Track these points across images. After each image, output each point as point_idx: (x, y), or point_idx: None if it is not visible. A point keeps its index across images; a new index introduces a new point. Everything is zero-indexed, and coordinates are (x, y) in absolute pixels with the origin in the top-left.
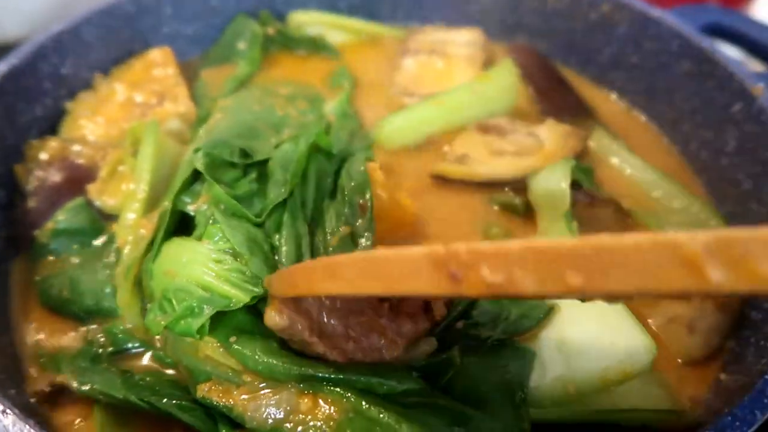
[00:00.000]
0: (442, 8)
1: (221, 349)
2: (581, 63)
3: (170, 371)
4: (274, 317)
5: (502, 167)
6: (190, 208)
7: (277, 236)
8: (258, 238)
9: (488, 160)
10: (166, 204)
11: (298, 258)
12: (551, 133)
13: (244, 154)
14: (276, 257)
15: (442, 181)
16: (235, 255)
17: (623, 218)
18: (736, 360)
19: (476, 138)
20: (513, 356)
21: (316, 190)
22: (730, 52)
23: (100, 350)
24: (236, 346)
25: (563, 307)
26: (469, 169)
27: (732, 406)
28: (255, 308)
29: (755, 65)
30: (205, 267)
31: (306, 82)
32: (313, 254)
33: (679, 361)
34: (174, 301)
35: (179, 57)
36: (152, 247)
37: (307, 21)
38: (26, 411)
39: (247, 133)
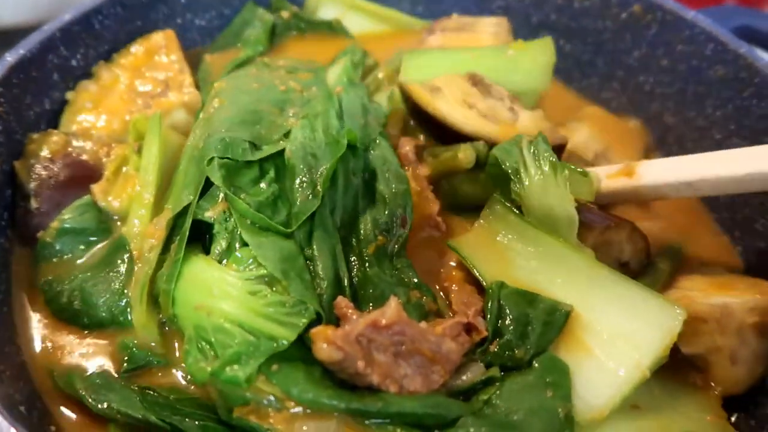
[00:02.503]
0: (463, 3)
1: (262, 377)
2: (608, 64)
3: (193, 388)
4: (328, 351)
5: (461, 116)
6: (208, 215)
7: (308, 249)
8: (291, 252)
9: (454, 104)
10: (185, 218)
11: (335, 271)
12: (530, 121)
13: (254, 146)
14: (311, 271)
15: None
16: (271, 282)
17: (638, 240)
18: None
19: (461, 83)
20: (550, 370)
21: (344, 192)
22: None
23: (113, 368)
24: (279, 376)
25: (581, 311)
26: (432, 99)
27: None
28: (298, 336)
29: None
30: (241, 303)
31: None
32: (348, 265)
33: (717, 392)
34: (216, 344)
35: (191, 49)
36: (166, 260)
37: (325, 2)
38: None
39: (251, 118)
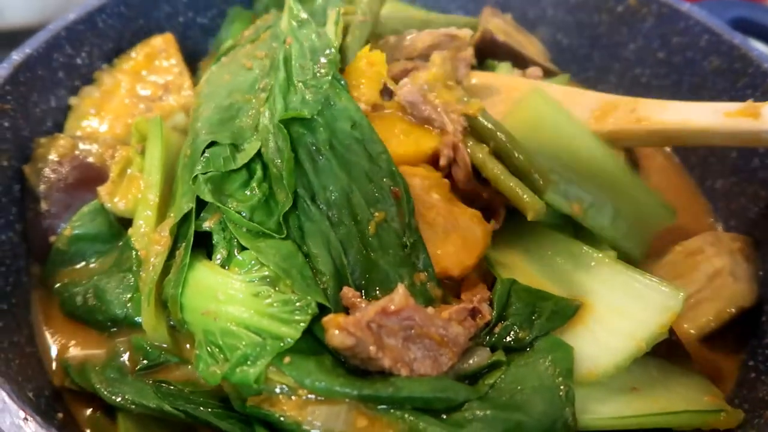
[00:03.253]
0: (461, 0)
1: (274, 368)
2: (605, 58)
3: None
4: (340, 337)
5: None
6: (207, 225)
7: (304, 245)
8: (290, 251)
9: None
10: (188, 226)
11: (333, 263)
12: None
13: (235, 147)
14: (312, 266)
15: None
16: (273, 282)
17: None
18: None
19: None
20: (552, 349)
21: (316, 174)
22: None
23: (128, 362)
24: (291, 368)
25: (591, 301)
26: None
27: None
28: (307, 327)
29: None
30: (247, 306)
31: None
32: (347, 252)
33: (732, 310)
34: (224, 347)
35: (193, 47)
36: (172, 266)
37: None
38: (47, 416)
39: (227, 114)
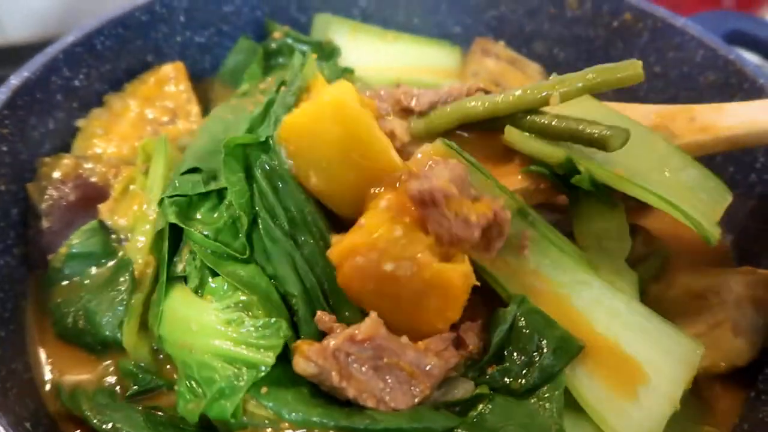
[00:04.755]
0: (458, 15)
1: (253, 401)
2: None
3: None
4: (303, 365)
5: None
6: (180, 268)
7: (270, 267)
8: (252, 275)
9: None
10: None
11: (302, 284)
12: None
13: (213, 176)
14: (278, 289)
15: None
16: (247, 307)
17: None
18: None
19: None
20: (545, 395)
21: (275, 193)
22: (747, 58)
23: (118, 387)
24: (268, 398)
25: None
26: None
27: None
28: (283, 354)
29: None
30: (219, 336)
31: None
32: (312, 268)
33: (723, 365)
34: (201, 381)
35: (192, 67)
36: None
37: (332, 28)
38: None
39: (218, 147)
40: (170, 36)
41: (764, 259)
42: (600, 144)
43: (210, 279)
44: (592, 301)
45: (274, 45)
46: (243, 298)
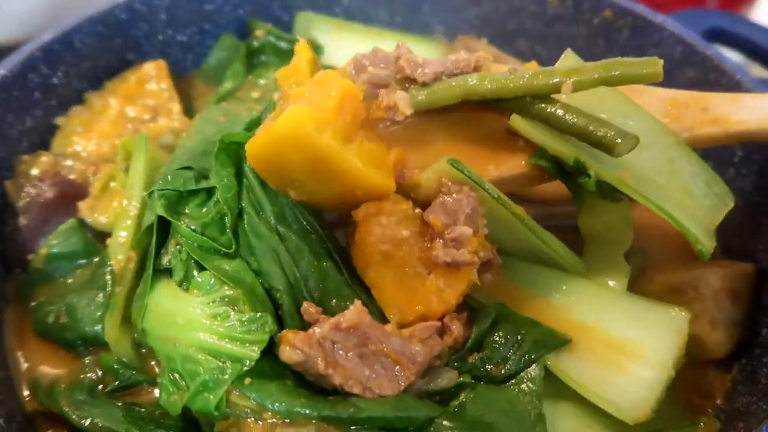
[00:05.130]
0: (441, 13)
1: (236, 391)
2: None
3: None
4: (289, 353)
5: None
6: (165, 261)
7: (254, 261)
8: (238, 269)
9: None
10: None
11: (286, 278)
12: None
13: (203, 176)
14: (263, 283)
15: None
16: (233, 302)
17: None
18: (749, 379)
19: None
20: (524, 379)
21: (263, 188)
22: (729, 56)
23: (99, 384)
24: (252, 389)
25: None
26: None
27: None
28: (267, 348)
29: (757, 70)
30: (204, 329)
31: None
32: (297, 261)
33: (702, 357)
34: (185, 374)
35: (173, 65)
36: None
37: (314, 26)
38: None
39: (212, 148)
40: (151, 34)
41: (742, 253)
42: (607, 148)
43: (196, 273)
44: (570, 297)
45: (256, 43)
46: (229, 292)
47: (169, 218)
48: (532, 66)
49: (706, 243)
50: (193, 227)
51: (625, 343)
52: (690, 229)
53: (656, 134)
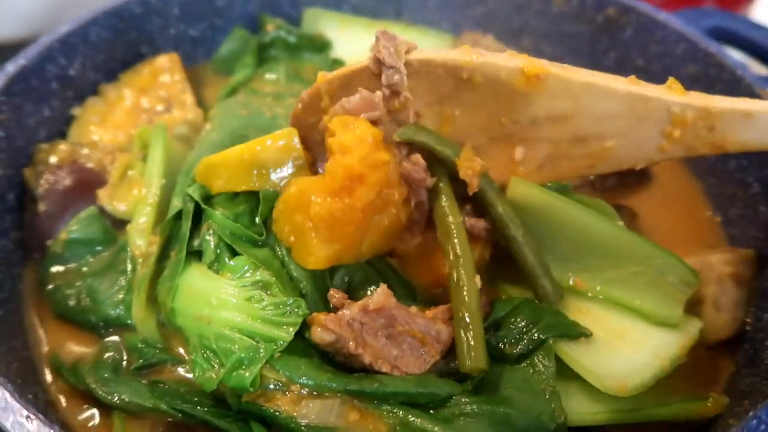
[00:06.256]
0: (447, 10)
1: (267, 365)
2: (586, 66)
3: None
4: (321, 334)
5: None
6: (195, 243)
7: (280, 251)
8: (267, 257)
9: None
10: (181, 237)
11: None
12: None
13: None
14: (288, 273)
15: None
16: (266, 286)
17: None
18: (752, 362)
19: None
20: (537, 359)
21: None
22: (730, 54)
23: (123, 362)
24: (282, 364)
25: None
26: None
27: (753, 407)
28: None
29: (757, 68)
30: (240, 310)
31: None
32: None
33: (707, 337)
34: (219, 352)
35: (185, 59)
36: (165, 266)
37: (321, 21)
38: (48, 416)
39: (239, 142)
40: (164, 28)
41: (744, 242)
42: (539, 299)
43: (227, 258)
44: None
45: (267, 38)
46: (261, 277)
47: (203, 205)
48: (512, 54)
49: (671, 313)
50: (228, 216)
51: (627, 330)
52: (648, 310)
53: (619, 237)
